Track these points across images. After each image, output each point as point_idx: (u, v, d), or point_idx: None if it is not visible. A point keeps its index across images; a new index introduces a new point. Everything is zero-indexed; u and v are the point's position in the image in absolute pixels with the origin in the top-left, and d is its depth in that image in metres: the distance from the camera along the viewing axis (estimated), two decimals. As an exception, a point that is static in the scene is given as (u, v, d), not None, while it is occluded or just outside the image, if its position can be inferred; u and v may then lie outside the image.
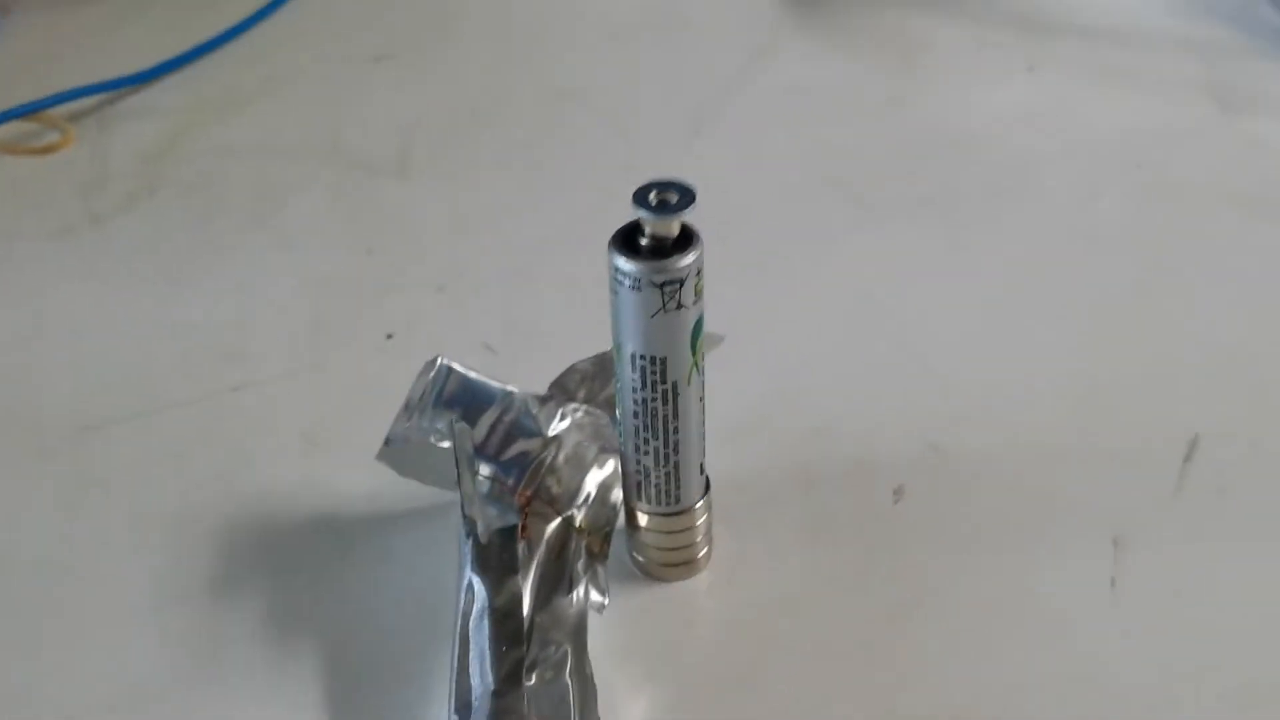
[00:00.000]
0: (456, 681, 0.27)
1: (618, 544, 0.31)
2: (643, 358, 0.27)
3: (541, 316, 0.39)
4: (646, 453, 0.29)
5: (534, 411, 0.31)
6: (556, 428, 0.31)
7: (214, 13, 0.53)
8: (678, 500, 0.29)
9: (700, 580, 0.31)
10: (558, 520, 0.30)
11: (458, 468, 0.29)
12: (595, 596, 0.29)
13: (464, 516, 0.28)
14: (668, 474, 0.29)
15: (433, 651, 0.29)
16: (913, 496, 0.32)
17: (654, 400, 0.28)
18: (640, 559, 0.31)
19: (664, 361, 0.27)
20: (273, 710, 0.28)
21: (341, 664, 0.29)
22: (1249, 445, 0.33)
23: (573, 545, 0.30)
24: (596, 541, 0.31)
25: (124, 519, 0.33)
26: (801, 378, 0.36)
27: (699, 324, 0.27)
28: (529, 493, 0.30)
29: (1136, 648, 0.28)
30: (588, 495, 0.31)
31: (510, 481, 0.30)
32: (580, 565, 0.30)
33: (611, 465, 0.31)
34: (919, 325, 0.38)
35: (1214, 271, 0.39)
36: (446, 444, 0.30)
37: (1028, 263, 0.40)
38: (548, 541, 0.30)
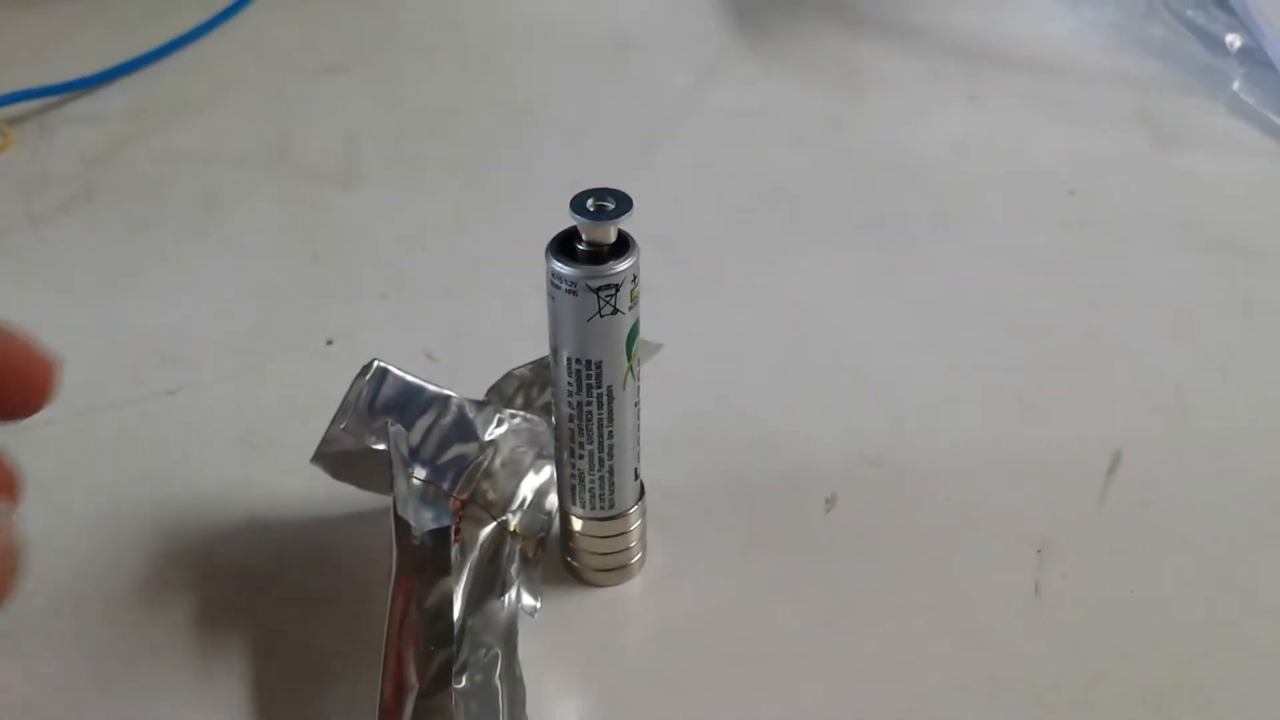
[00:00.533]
0: (383, 681, 0.27)
1: (551, 548, 0.31)
2: (578, 362, 0.28)
3: (484, 326, 0.39)
4: (581, 456, 0.29)
5: (471, 416, 0.31)
6: (493, 433, 0.31)
7: (165, 21, 0.53)
8: (612, 505, 0.30)
9: (634, 585, 0.31)
10: (492, 524, 0.31)
11: (392, 470, 0.29)
12: (528, 600, 0.30)
13: (396, 518, 0.28)
14: (602, 478, 0.29)
15: (364, 653, 0.29)
16: (845, 506, 0.33)
17: (589, 404, 0.28)
18: (574, 564, 0.31)
19: (600, 366, 0.28)
20: (201, 714, 0.28)
21: (272, 666, 0.29)
22: (1171, 461, 0.34)
23: (507, 549, 0.30)
24: (531, 546, 0.31)
25: (54, 520, 0.33)
26: (739, 390, 0.37)
27: (635, 329, 0.28)
28: (464, 497, 0.31)
29: (1058, 652, 0.29)
30: (523, 500, 0.31)
31: (445, 485, 0.31)
32: (514, 569, 0.30)
33: (548, 471, 0.31)
34: (855, 341, 0.38)
35: (1141, 296, 0.40)
36: (381, 446, 0.30)
37: (962, 284, 0.41)
38: (481, 545, 0.30)
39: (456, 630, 0.28)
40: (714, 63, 0.52)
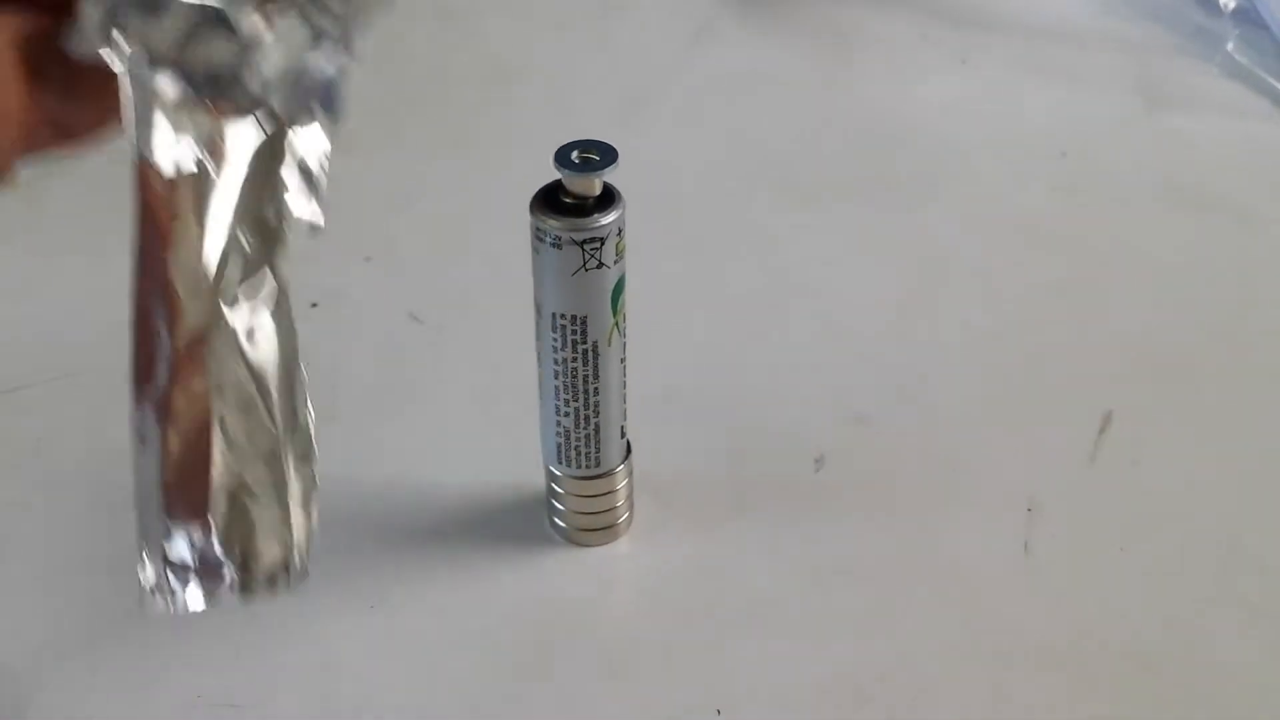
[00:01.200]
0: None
1: (537, 511, 0.31)
2: (563, 317, 0.27)
3: (469, 288, 0.38)
4: (567, 414, 0.29)
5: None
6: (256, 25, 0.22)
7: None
8: (598, 463, 0.29)
9: (620, 545, 0.31)
10: (259, 128, 0.23)
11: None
12: (304, 209, 0.24)
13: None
14: (588, 436, 0.29)
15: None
16: (833, 466, 0.33)
17: (574, 360, 0.28)
18: (560, 524, 0.31)
19: (584, 321, 0.27)
20: (189, 668, 0.28)
21: (261, 624, 0.29)
22: (1162, 421, 0.34)
23: (280, 153, 0.23)
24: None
25: (40, 483, 0.32)
26: (727, 351, 0.36)
27: (620, 284, 0.27)
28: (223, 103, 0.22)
29: (1047, 608, 0.29)
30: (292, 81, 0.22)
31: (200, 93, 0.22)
32: (288, 176, 0.24)
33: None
34: (845, 303, 0.38)
35: (1133, 258, 0.40)
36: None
37: (953, 245, 0.40)
38: (252, 158, 0.23)
39: (223, 249, 0.22)
40: (703, 26, 0.52)
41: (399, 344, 0.36)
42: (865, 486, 0.32)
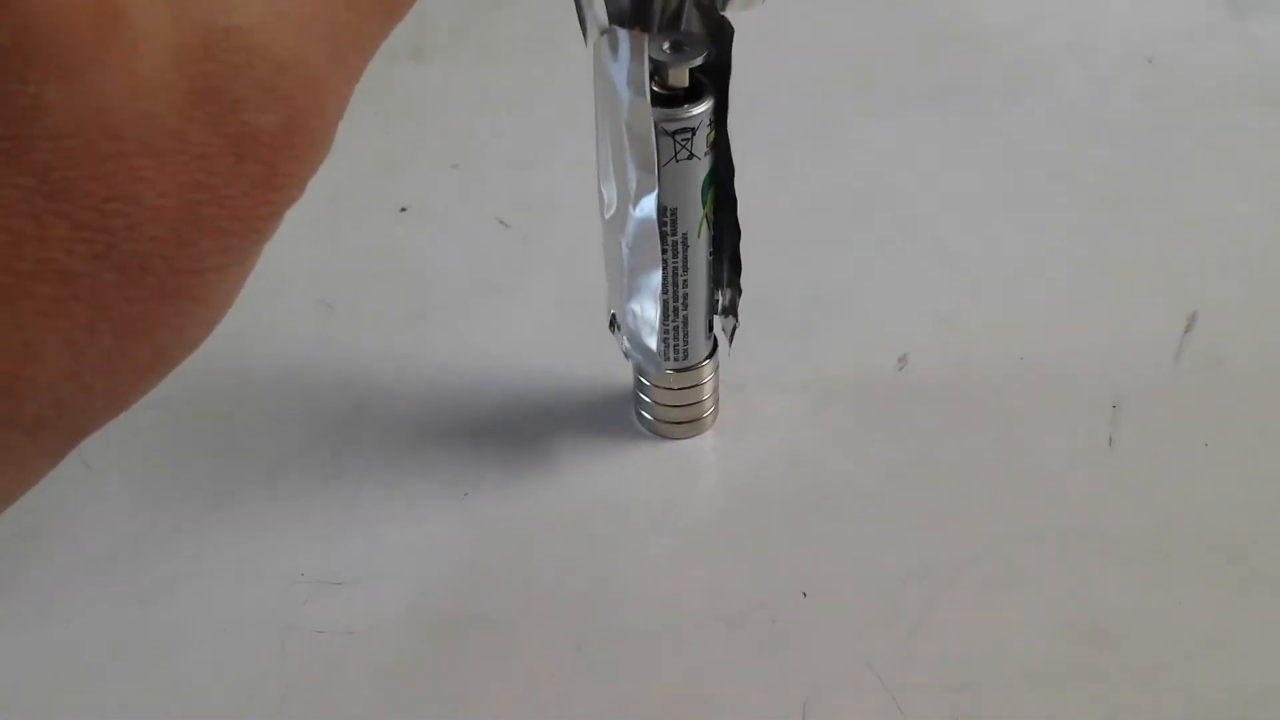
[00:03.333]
0: None
1: (623, 405, 0.32)
2: (654, 208, 0.28)
3: (554, 193, 0.39)
4: (656, 306, 0.29)
5: None
6: None
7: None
8: (685, 356, 0.30)
9: (706, 439, 0.32)
10: None
11: None
12: None
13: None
14: (676, 329, 0.29)
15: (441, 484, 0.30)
16: (916, 365, 0.33)
17: (664, 253, 0.28)
18: (646, 417, 0.31)
19: (675, 212, 0.28)
20: (293, 548, 0.29)
21: (362, 506, 0.30)
22: (1247, 322, 0.34)
23: None
24: None
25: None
26: (809, 254, 0.37)
27: (709, 177, 0.28)
28: None
29: (1131, 504, 0.29)
30: None
31: None
32: None
33: None
34: (927, 208, 0.38)
35: (1218, 161, 0.39)
36: None
37: (1036, 152, 0.40)
38: None
39: None
40: (782, -63, 0.51)
41: (487, 247, 0.37)
42: (948, 385, 0.32)
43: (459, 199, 0.39)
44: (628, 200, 0.27)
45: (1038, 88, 0.43)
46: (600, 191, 0.28)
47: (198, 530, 0.30)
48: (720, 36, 0.26)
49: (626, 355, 0.30)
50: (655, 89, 0.27)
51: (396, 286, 0.36)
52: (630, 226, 0.27)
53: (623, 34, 0.25)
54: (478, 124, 0.42)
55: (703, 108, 0.27)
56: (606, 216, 0.28)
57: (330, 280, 0.36)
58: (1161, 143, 0.40)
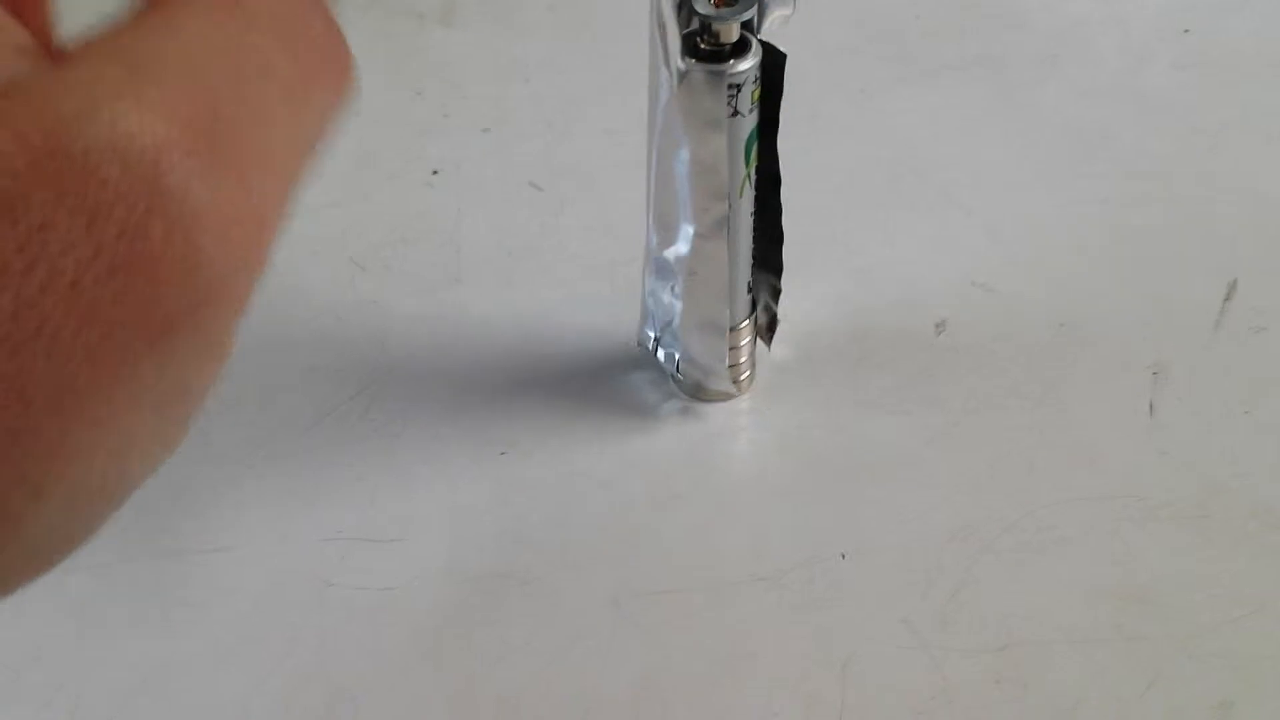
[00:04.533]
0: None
1: (660, 366, 0.32)
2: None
3: (586, 158, 0.39)
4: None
5: None
6: None
7: None
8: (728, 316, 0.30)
9: (742, 401, 0.31)
10: None
11: None
12: None
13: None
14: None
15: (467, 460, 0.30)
16: (955, 330, 0.33)
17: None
18: (684, 379, 0.31)
19: (718, 170, 0.27)
20: (331, 506, 0.29)
21: (398, 465, 0.30)
22: (1290, 291, 0.33)
23: None
24: None
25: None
26: (847, 221, 0.36)
27: (753, 135, 0.28)
28: None
29: (1172, 468, 0.29)
30: None
31: None
32: None
33: None
34: (963, 177, 0.38)
35: (1257, 130, 0.39)
36: None
37: (1074, 123, 0.40)
38: None
39: None
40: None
41: (521, 211, 0.37)
42: (987, 349, 0.32)
43: (492, 162, 0.39)
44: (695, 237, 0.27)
45: (1074, 58, 0.43)
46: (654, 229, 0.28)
47: (236, 489, 0.30)
48: (772, 66, 0.26)
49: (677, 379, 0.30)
50: (701, 45, 0.26)
51: (429, 250, 0.36)
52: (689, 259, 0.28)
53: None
54: (510, 88, 0.42)
55: (749, 63, 0.26)
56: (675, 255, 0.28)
57: (362, 242, 0.36)
58: (1199, 113, 0.40)
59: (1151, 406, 0.30)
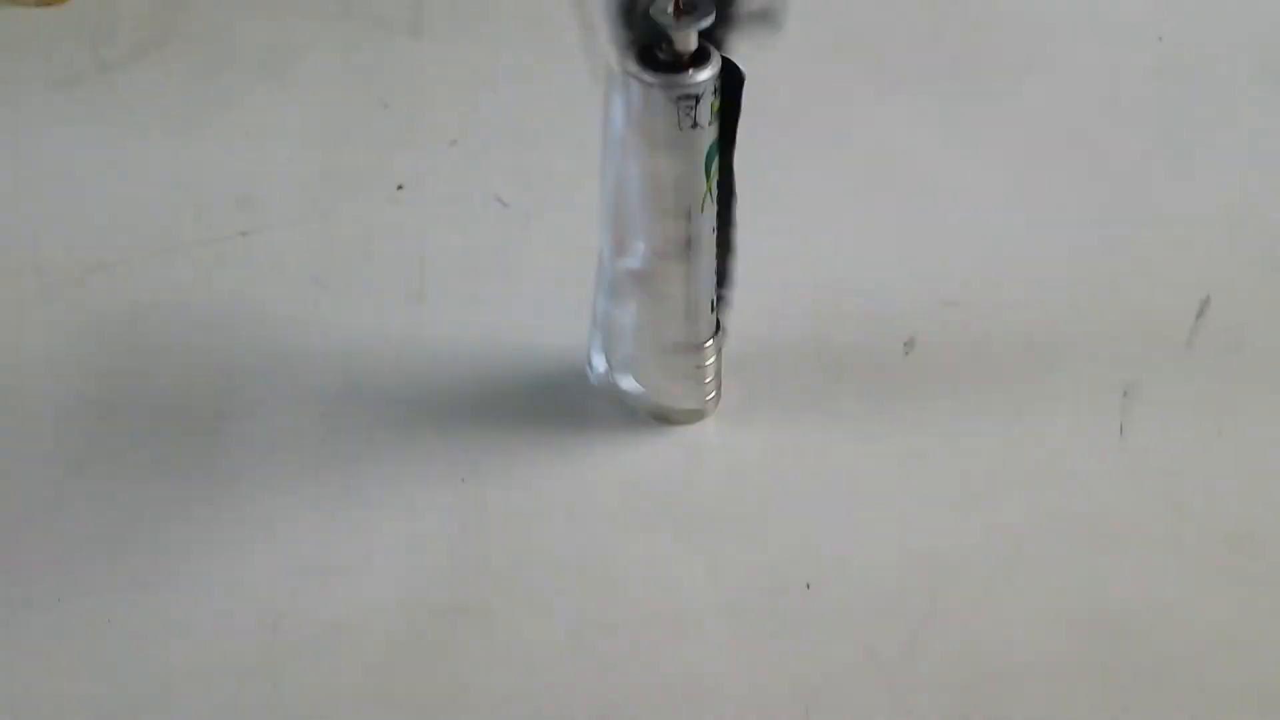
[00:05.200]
0: None
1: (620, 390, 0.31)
2: (656, 184, 0.27)
3: (553, 171, 0.38)
4: (657, 285, 0.28)
5: None
6: None
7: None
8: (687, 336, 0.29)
9: (708, 424, 0.31)
10: None
11: None
12: None
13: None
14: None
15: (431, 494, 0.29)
16: (924, 348, 0.32)
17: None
18: (648, 401, 0.31)
19: (679, 182, 0.27)
20: (285, 536, 0.29)
21: (356, 492, 0.29)
22: (1261, 306, 0.33)
23: None
24: None
25: (129, 354, 0.33)
26: (815, 235, 0.36)
27: (713, 148, 0.27)
28: None
29: (1143, 491, 0.28)
30: None
31: None
32: None
33: None
34: (934, 188, 0.37)
35: (1232, 142, 0.38)
36: None
37: (1046, 131, 0.39)
38: None
39: None
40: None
41: (486, 226, 0.36)
42: (956, 369, 0.32)
43: (457, 176, 0.38)
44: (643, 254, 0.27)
45: (1047, 67, 0.42)
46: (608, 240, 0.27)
47: (188, 518, 0.29)
48: (730, 84, 0.26)
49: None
50: (660, 55, 0.26)
51: (393, 266, 0.35)
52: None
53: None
54: (477, 100, 0.41)
55: (708, 74, 0.26)
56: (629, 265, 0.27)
57: (324, 259, 0.35)
58: (1172, 123, 0.39)
59: (1121, 428, 0.30)
